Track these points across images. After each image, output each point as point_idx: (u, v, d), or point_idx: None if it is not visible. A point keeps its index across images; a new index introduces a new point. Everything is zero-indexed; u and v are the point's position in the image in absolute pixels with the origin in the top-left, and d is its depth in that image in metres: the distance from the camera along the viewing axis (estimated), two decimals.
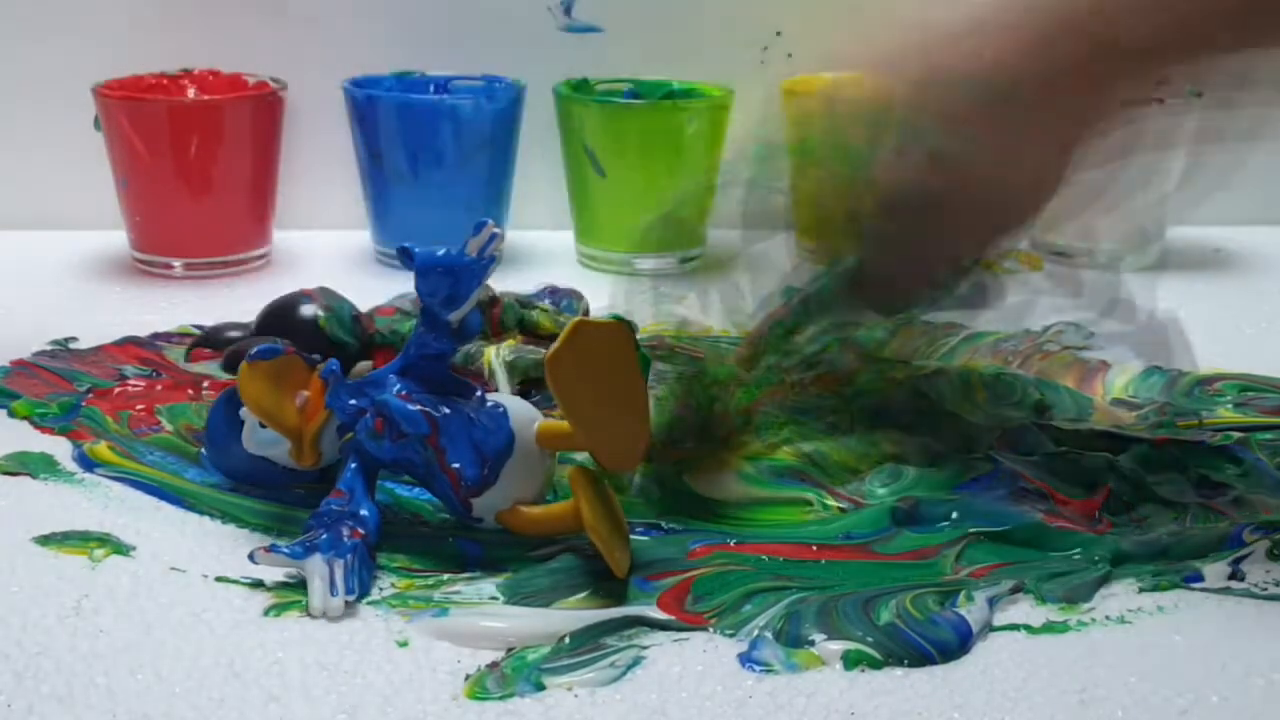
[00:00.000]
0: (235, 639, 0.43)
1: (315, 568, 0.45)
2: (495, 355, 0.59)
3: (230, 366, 0.62)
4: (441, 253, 0.49)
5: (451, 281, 0.49)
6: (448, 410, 0.48)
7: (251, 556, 0.45)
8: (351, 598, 0.45)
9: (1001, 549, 0.50)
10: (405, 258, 0.49)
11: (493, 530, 0.49)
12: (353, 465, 0.49)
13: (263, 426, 0.50)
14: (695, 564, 0.48)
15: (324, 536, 0.46)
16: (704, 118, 0.80)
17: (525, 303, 0.64)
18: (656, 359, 0.56)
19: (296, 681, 0.41)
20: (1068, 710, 0.41)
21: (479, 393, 0.49)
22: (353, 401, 0.49)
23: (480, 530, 0.49)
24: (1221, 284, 0.83)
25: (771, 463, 0.55)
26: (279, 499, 0.52)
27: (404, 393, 0.49)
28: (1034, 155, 0.54)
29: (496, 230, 0.49)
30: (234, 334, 0.66)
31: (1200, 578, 0.48)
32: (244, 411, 0.50)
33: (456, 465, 0.47)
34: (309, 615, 0.44)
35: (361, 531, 0.47)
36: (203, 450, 0.55)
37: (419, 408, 0.48)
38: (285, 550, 0.46)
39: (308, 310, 0.62)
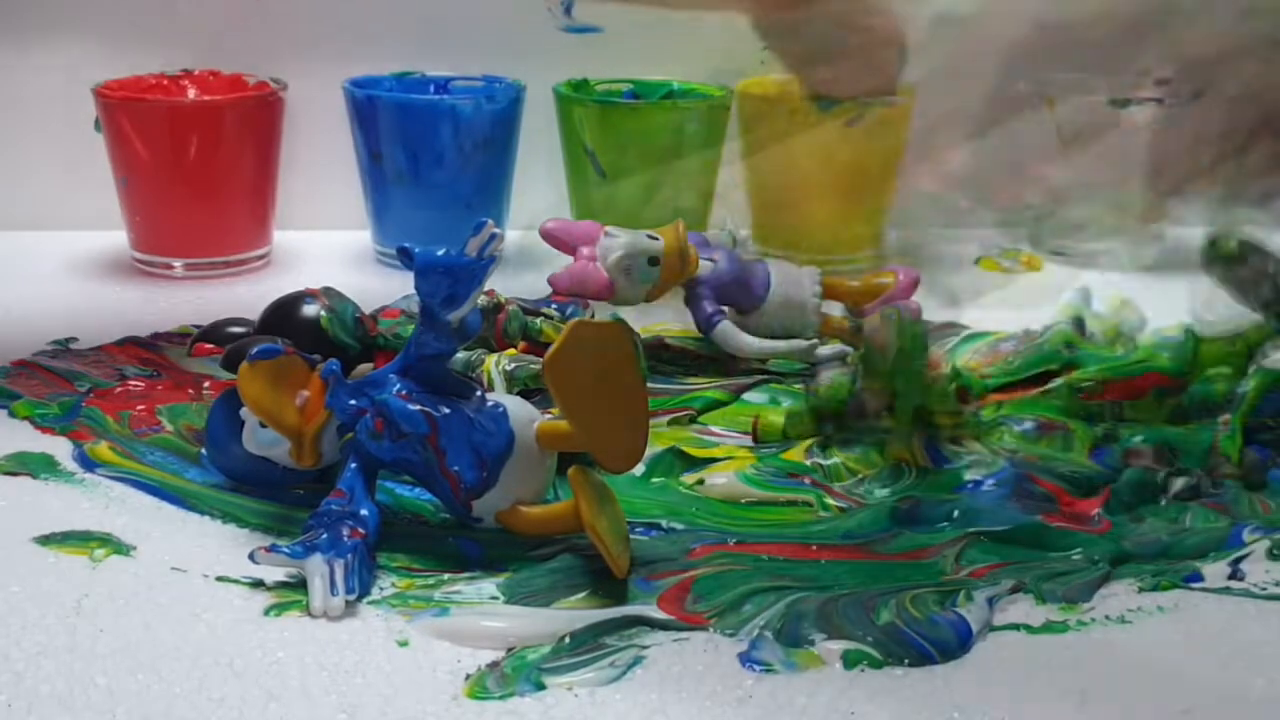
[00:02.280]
0: (235, 639, 0.43)
1: (315, 567, 0.45)
2: (495, 365, 0.59)
3: (230, 365, 0.62)
4: (441, 253, 0.48)
5: (451, 281, 0.49)
6: (448, 410, 0.48)
7: (252, 556, 0.45)
8: (351, 597, 0.45)
9: (1001, 549, 0.50)
10: (405, 258, 0.49)
11: (493, 530, 0.49)
12: (353, 465, 0.49)
13: (263, 426, 0.50)
14: (695, 564, 0.48)
15: (324, 536, 0.46)
16: (704, 118, 0.80)
17: (530, 310, 0.64)
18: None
19: (296, 681, 0.41)
20: (1068, 710, 0.41)
21: (479, 393, 0.49)
22: (353, 401, 0.49)
23: (480, 530, 0.49)
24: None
25: (771, 463, 0.55)
26: (279, 499, 0.52)
27: (404, 392, 0.49)
28: None
29: (496, 230, 0.49)
30: (236, 329, 0.66)
31: (1200, 578, 0.48)
32: (244, 411, 0.50)
33: (456, 468, 0.47)
34: (309, 615, 0.44)
35: (361, 531, 0.47)
36: (203, 450, 0.54)
37: (419, 408, 0.48)
38: (285, 550, 0.46)
39: (310, 310, 0.62)
